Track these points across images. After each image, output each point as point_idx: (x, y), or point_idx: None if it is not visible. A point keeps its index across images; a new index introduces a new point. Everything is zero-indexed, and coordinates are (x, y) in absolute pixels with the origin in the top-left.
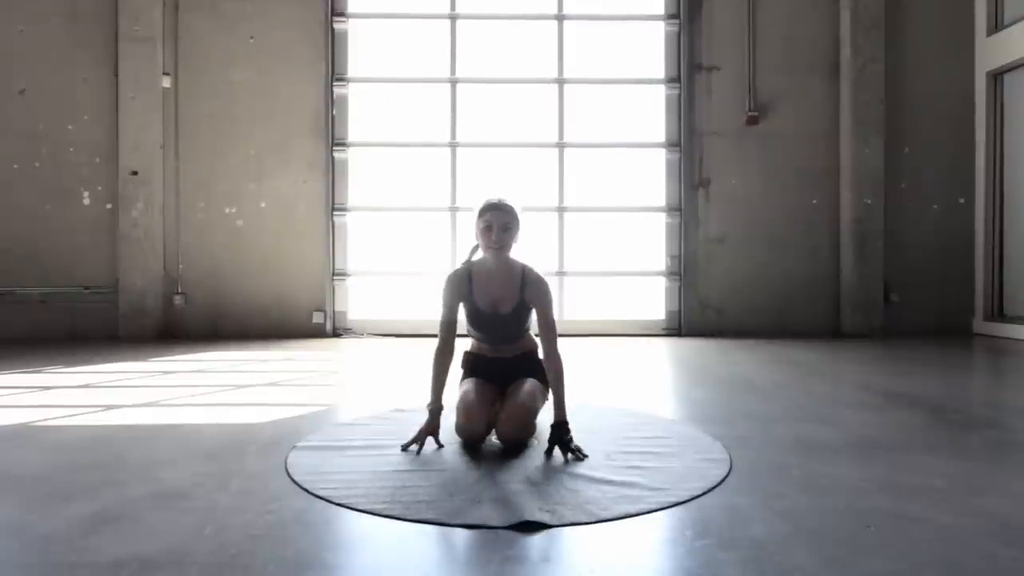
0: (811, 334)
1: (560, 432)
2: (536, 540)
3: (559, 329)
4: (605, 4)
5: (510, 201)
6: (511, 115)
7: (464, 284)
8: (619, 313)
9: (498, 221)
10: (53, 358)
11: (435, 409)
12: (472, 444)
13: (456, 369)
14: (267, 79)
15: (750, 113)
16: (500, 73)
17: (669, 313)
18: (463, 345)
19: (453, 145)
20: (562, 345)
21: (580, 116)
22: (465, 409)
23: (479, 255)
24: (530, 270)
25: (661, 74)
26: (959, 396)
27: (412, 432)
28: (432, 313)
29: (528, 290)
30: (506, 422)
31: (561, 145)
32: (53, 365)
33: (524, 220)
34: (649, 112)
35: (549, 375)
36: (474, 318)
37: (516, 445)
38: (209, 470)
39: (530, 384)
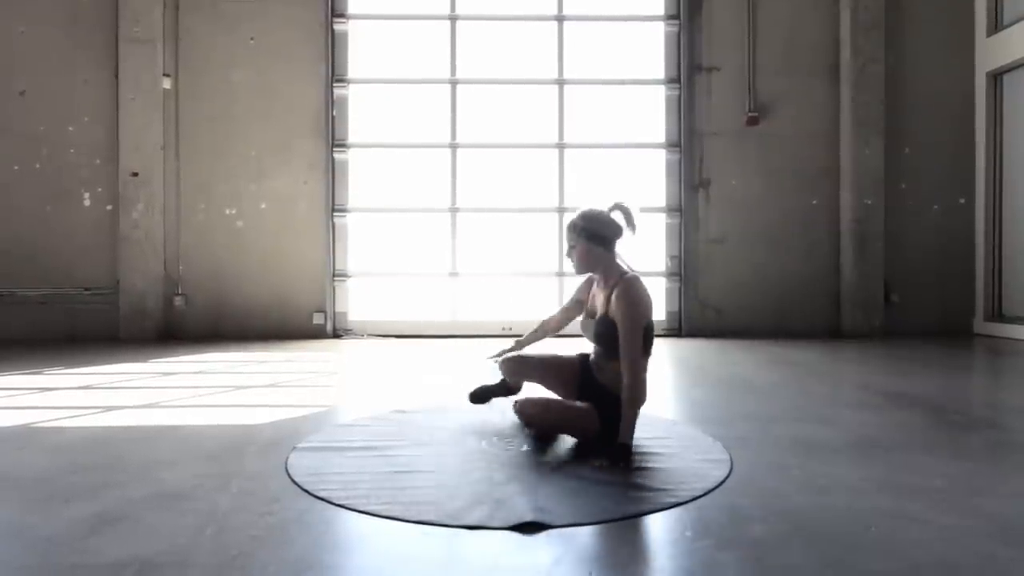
0: (811, 334)
1: (618, 452)
2: (536, 541)
3: (564, 330)
4: (605, 5)
5: (582, 212)
6: (511, 116)
7: (587, 286)
8: None
9: (568, 244)
10: (53, 359)
11: (518, 343)
12: (481, 395)
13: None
14: (267, 80)
15: (750, 114)
16: (500, 74)
17: (669, 313)
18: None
19: (453, 146)
20: (564, 345)
21: (580, 117)
22: (529, 355)
23: None
24: (624, 280)
25: (661, 75)
26: (959, 396)
27: (413, 433)
28: (432, 314)
29: (613, 302)
30: (523, 397)
31: (561, 146)
32: (53, 366)
33: (595, 227)
34: (649, 113)
35: (623, 395)
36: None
37: (516, 437)
38: (210, 471)
39: (580, 405)
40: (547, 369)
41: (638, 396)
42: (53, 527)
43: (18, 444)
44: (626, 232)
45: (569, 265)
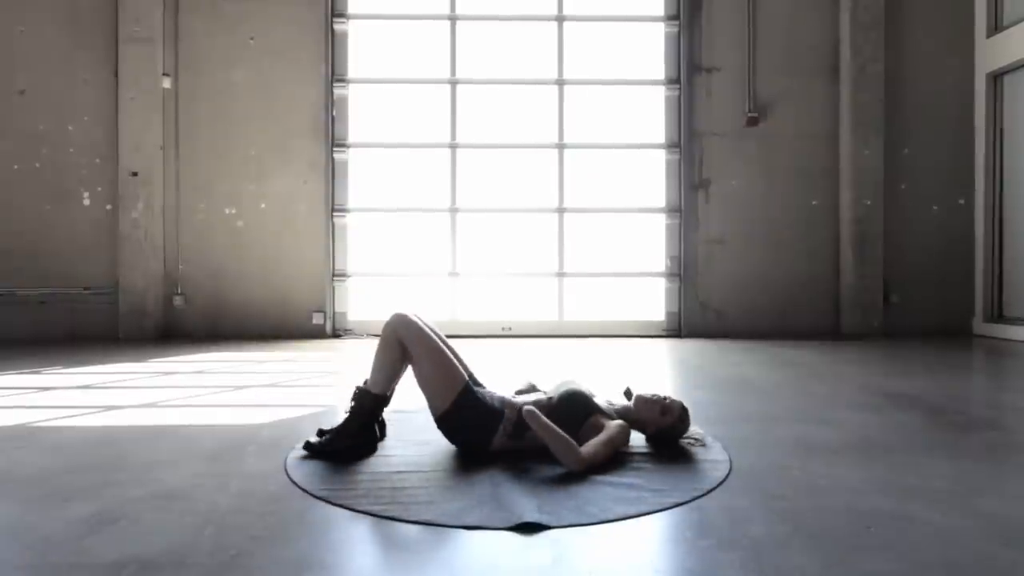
0: (811, 335)
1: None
2: (536, 541)
3: (562, 330)
4: (605, 5)
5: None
6: (511, 116)
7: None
8: (619, 314)
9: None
10: (53, 359)
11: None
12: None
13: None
14: (267, 80)
15: (750, 114)
16: (500, 74)
17: (669, 314)
18: None
19: (453, 146)
20: (562, 345)
21: (580, 117)
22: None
23: None
24: (625, 424)
25: (661, 75)
26: (959, 397)
27: (412, 433)
28: (431, 313)
29: (615, 420)
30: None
31: (561, 146)
32: (53, 366)
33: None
34: (649, 113)
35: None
36: None
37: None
38: (209, 471)
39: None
40: (441, 359)
41: (581, 462)
42: (52, 526)
43: (17, 443)
44: (664, 421)
45: (572, 262)
